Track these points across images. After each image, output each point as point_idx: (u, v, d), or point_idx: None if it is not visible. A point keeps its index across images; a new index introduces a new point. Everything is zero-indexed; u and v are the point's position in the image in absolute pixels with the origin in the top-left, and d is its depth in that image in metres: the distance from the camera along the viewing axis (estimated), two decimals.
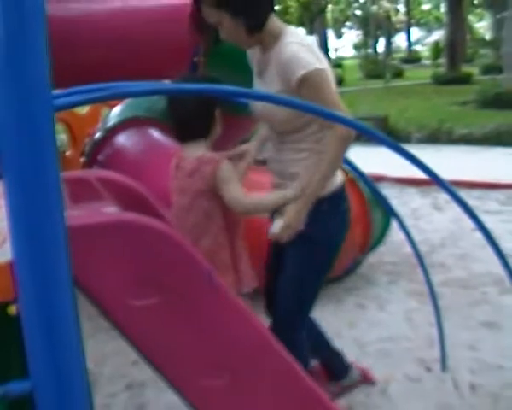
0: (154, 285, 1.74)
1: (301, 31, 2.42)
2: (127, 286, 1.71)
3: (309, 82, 2.36)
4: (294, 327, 2.77)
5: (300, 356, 2.69)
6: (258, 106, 2.64)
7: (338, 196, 2.65)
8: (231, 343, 1.93)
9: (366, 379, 3.41)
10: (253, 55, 2.73)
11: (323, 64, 2.46)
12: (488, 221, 6.55)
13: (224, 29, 2.49)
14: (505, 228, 6.56)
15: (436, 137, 12.15)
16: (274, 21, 2.54)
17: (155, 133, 5.36)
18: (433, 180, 2.48)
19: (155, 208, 2.64)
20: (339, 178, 2.67)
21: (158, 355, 1.87)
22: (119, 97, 4.47)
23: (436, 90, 24.04)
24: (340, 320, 4.46)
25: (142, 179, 3.06)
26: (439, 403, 3.36)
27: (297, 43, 2.43)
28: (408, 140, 11.81)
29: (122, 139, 5.36)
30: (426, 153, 8.63)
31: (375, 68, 30.89)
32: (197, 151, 2.60)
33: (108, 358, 4.01)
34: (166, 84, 3.87)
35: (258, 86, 2.67)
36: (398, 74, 31.91)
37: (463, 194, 8.12)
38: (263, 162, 5.70)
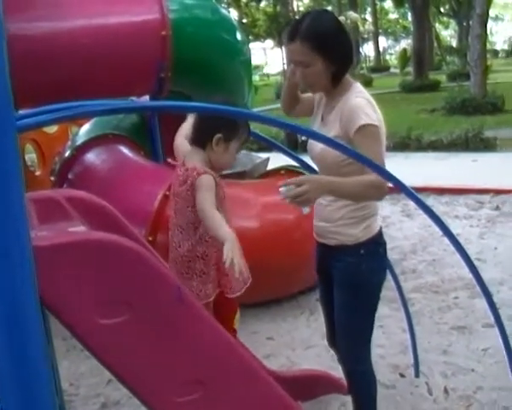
0: (122, 303, 1.74)
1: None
2: (95, 305, 1.71)
3: (365, 133, 2.46)
4: (358, 359, 2.87)
5: (369, 385, 2.91)
6: (316, 148, 2.71)
7: (374, 241, 2.74)
8: (203, 358, 1.93)
9: (341, 389, 3.43)
10: (320, 101, 2.85)
11: (381, 120, 2.59)
12: (458, 226, 6.78)
13: (309, 71, 2.57)
14: (474, 232, 6.66)
15: (405, 144, 12.27)
16: (347, 75, 2.67)
17: (124, 150, 5.36)
18: (399, 188, 2.52)
19: (125, 226, 2.64)
20: (377, 224, 2.77)
21: (130, 375, 1.86)
22: (85, 117, 4.47)
23: (404, 97, 24.35)
24: (313, 330, 4.49)
25: (112, 197, 3.06)
26: (413, 408, 3.39)
27: (365, 98, 2.57)
28: None
29: (91, 157, 5.35)
30: (395, 160, 8.76)
31: None
32: (193, 160, 2.69)
33: (83, 378, 3.98)
34: (132, 101, 3.90)
35: (319, 129, 2.75)
36: (367, 83, 32.12)
37: (433, 200, 8.31)
38: (239, 175, 5.73)
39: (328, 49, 2.52)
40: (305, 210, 2.40)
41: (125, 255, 1.75)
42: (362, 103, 2.53)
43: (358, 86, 2.67)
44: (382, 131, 2.59)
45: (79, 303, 1.71)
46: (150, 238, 4.25)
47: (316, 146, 2.73)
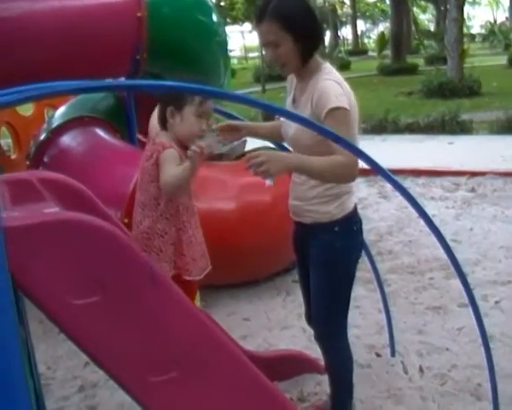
0: (95, 283, 1.73)
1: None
2: (68, 285, 1.70)
3: (334, 116, 2.48)
4: (333, 335, 2.91)
5: (345, 360, 2.94)
6: (290, 132, 2.75)
7: (349, 219, 2.77)
8: (176, 337, 1.93)
9: (316, 369, 3.46)
10: (291, 82, 2.86)
11: (352, 103, 2.59)
12: (434, 208, 6.83)
13: (280, 50, 2.59)
14: (450, 214, 6.72)
15: (382, 126, 12.31)
16: (316, 56, 2.69)
17: (100, 133, 5.32)
18: (375, 170, 2.53)
19: (99, 208, 2.63)
20: (351, 202, 2.79)
21: (104, 355, 1.86)
22: (55, 96, 4.42)
23: (382, 81, 24.42)
24: (289, 311, 4.51)
25: (87, 179, 3.04)
26: (389, 387, 3.43)
27: (335, 80, 2.58)
28: None
29: (67, 140, 5.30)
30: (372, 143, 8.84)
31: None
32: (161, 139, 2.73)
33: (60, 361, 3.97)
34: (103, 81, 3.85)
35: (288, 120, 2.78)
36: (345, 66, 32.17)
37: (409, 182, 8.37)
38: (219, 156, 5.73)
39: (296, 28, 2.54)
40: (268, 182, 2.40)
41: (98, 235, 1.74)
42: (331, 86, 2.54)
43: (328, 67, 2.68)
44: (353, 113, 2.62)
45: (52, 284, 1.70)
46: (126, 220, 4.22)
47: (289, 130, 2.75)
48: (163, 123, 2.76)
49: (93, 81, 2.13)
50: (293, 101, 2.79)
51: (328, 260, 2.75)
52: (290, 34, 2.54)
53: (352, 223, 2.79)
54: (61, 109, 5.85)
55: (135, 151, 5.22)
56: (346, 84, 2.63)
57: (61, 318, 1.75)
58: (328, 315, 2.85)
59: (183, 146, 2.71)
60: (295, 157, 2.54)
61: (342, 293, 2.83)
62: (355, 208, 2.81)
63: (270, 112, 2.77)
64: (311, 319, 3.05)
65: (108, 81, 2.41)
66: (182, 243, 2.74)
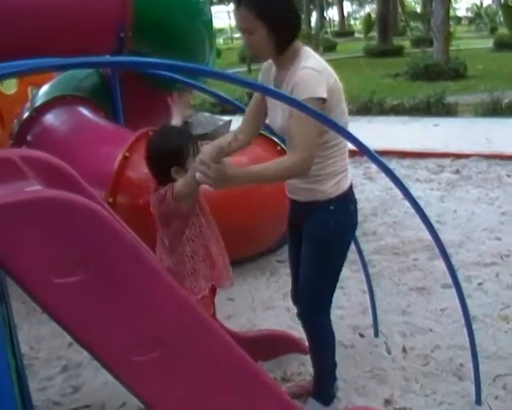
0: (77, 262, 1.71)
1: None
2: (50, 264, 1.68)
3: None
4: (317, 312, 2.92)
5: (328, 337, 2.96)
6: (277, 123, 2.75)
7: (345, 198, 2.78)
8: (160, 316, 1.92)
9: (300, 349, 3.47)
10: (270, 71, 2.82)
11: (333, 86, 2.57)
12: (419, 189, 6.86)
13: (253, 38, 2.55)
14: (435, 195, 6.75)
15: (368, 108, 12.32)
16: (295, 43, 2.64)
17: (84, 111, 5.28)
18: (361, 151, 2.53)
19: (83, 187, 2.60)
20: (347, 181, 2.79)
21: (86, 335, 1.84)
22: (38, 72, 4.37)
23: (368, 62, 24.38)
24: (273, 291, 4.52)
25: (71, 159, 3.01)
26: (372, 367, 3.45)
27: (311, 68, 2.53)
28: None
29: (50, 118, 5.26)
30: (358, 124, 8.81)
31: (307, 42, 30.53)
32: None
33: (44, 341, 3.96)
34: (86, 57, 3.79)
35: (273, 104, 2.75)
36: (331, 48, 32.14)
37: (394, 163, 8.39)
38: (200, 137, 5.69)
39: (271, 17, 2.50)
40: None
41: (80, 213, 1.72)
42: (307, 75, 2.51)
43: (306, 52, 2.64)
44: (337, 94, 2.62)
45: (34, 262, 1.68)
46: (110, 200, 4.21)
47: (276, 121, 2.76)
48: (165, 180, 2.69)
49: (75, 58, 2.09)
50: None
51: (322, 238, 2.75)
52: (265, 23, 2.50)
53: (347, 202, 2.80)
54: (45, 88, 5.80)
55: (119, 130, 5.19)
56: (325, 67, 2.60)
57: (43, 297, 1.73)
58: (315, 292, 2.86)
59: None
60: (243, 177, 2.45)
61: (331, 272, 2.85)
62: (350, 188, 2.82)
63: (254, 90, 2.74)
64: (295, 296, 3.06)
65: (90, 57, 2.36)
66: (211, 256, 2.79)
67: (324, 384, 3.06)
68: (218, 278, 2.84)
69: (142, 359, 1.90)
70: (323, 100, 2.50)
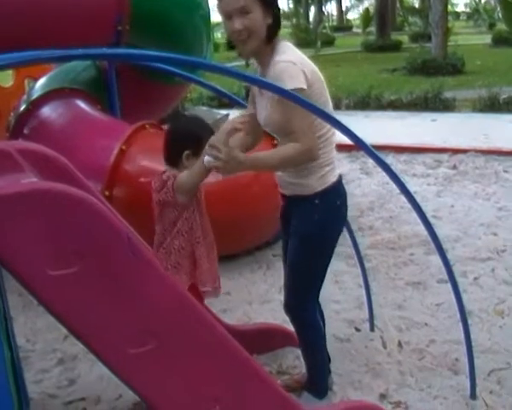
0: (73, 254, 1.72)
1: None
2: (45, 256, 1.68)
3: (284, 101, 2.48)
4: (301, 308, 2.91)
5: (314, 332, 2.95)
6: (261, 116, 2.74)
7: (331, 192, 2.76)
8: (155, 309, 1.93)
9: (296, 342, 3.47)
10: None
11: (312, 78, 2.58)
12: (415, 184, 6.87)
13: (249, 18, 2.51)
14: (431, 190, 6.76)
15: (365, 103, 12.33)
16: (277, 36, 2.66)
17: (81, 104, 5.27)
18: (358, 145, 2.54)
19: (80, 180, 2.61)
20: (333, 175, 2.77)
21: (81, 327, 1.85)
22: (35, 63, 4.37)
23: (366, 57, 24.38)
24: (269, 285, 4.52)
25: (68, 151, 3.01)
26: (367, 361, 3.45)
27: (287, 61, 2.53)
28: (338, 107, 11.88)
29: (47, 111, 5.24)
30: (355, 119, 8.85)
31: (306, 37, 30.87)
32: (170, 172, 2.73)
33: (40, 333, 3.95)
34: (83, 49, 3.78)
35: (258, 102, 2.77)
36: (330, 42, 32.13)
37: (391, 158, 8.39)
38: None
39: None
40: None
41: (75, 206, 1.72)
42: (284, 68, 2.51)
43: (283, 46, 2.64)
44: (317, 87, 2.62)
45: (29, 254, 1.68)
46: (107, 193, 4.20)
47: (260, 115, 2.76)
48: (172, 160, 2.72)
49: (72, 49, 2.09)
50: (259, 90, 2.76)
51: (305, 232, 2.75)
52: (262, 3, 2.50)
53: (334, 196, 2.78)
54: (42, 81, 5.78)
55: (116, 123, 5.18)
56: (302, 58, 2.60)
57: (39, 289, 1.73)
58: (298, 287, 2.86)
59: None
60: (250, 162, 2.50)
61: (315, 267, 2.84)
62: (338, 182, 2.79)
63: (252, 84, 2.74)
64: None
65: (87, 49, 2.35)
66: (195, 256, 2.76)
67: (317, 378, 3.07)
68: (200, 280, 2.80)
69: (138, 351, 1.90)
70: (302, 90, 2.49)
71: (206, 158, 2.41)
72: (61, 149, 2.69)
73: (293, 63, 2.52)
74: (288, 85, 2.45)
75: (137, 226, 2.73)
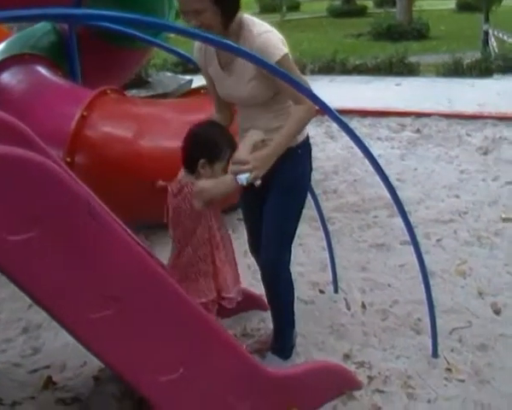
0: (31, 219, 1.69)
1: None
2: (3, 221, 1.65)
3: (283, 65, 2.55)
4: (286, 266, 2.97)
5: (290, 288, 3.01)
6: (242, 93, 2.75)
7: (307, 143, 2.93)
8: (116, 272, 1.91)
9: (260, 306, 3.50)
10: (205, 51, 2.83)
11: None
12: (380, 148, 6.91)
13: (203, 16, 2.51)
14: (395, 154, 6.82)
15: (330, 67, 12.34)
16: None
17: (41, 70, 5.16)
18: (323, 110, 2.55)
19: (40, 146, 2.56)
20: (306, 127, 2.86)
21: (42, 293, 1.82)
22: None
23: (331, 22, 24.32)
24: (234, 248, 4.50)
25: (28, 118, 2.95)
26: (332, 323, 3.49)
27: (266, 31, 2.61)
28: (303, 72, 11.77)
29: (6, 77, 5.11)
30: (320, 84, 8.81)
31: (271, 2, 30.65)
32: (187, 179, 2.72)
33: (4, 303, 3.91)
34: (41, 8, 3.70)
35: (223, 78, 2.78)
36: (295, 7, 31.92)
37: (356, 122, 8.41)
38: (161, 96, 5.63)
39: None
40: (242, 180, 2.51)
41: (33, 170, 1.69)
42: (268, 38, 2.58)
43: (251, 20, 2.67)
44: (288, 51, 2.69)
45: None
46: (68, 159, 4.14)
47: (239, 91, 2.76)
48: (189, 167, 2.69)
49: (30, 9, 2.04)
50: (222, 67, 2.77)
51: (289, 184, 2.84)
52: (211, 2, 2.50)
53: (308, 146, 2.93)
54: (1, 46, 5.65)
55: (77, 89, 5.10)
56: (271, 26, 2.68)
57: None
58: (281, 240, 2.90)
59: None
60: (273, 151, 2.59)
61: (296, 218, 2.92)
62: (307, 134, 2.92)
63: (218, 47, 2.71)
64: (254, 247, 3.13)
65: (46, 9, 2.29)
66: (216, 263, 2.76)
67: (284, 337, 3.09)
68: (223, 287, 2.80)
69: (99, 315, 1.89)
70: (287, 53, 2.59)
71: (240, 177, 2.48)
72: (20, 116, 2.63)
73: (271, 32, 2.61)
74: (277, 55, 2.54)
75: (99, 192, 2.70)
